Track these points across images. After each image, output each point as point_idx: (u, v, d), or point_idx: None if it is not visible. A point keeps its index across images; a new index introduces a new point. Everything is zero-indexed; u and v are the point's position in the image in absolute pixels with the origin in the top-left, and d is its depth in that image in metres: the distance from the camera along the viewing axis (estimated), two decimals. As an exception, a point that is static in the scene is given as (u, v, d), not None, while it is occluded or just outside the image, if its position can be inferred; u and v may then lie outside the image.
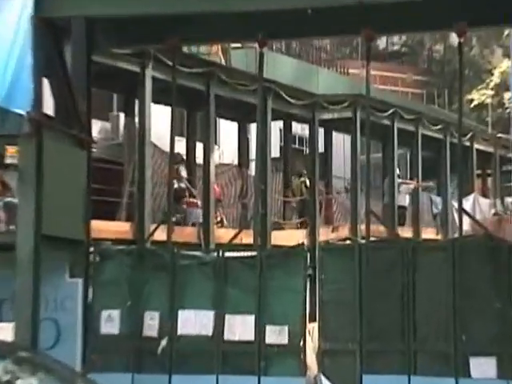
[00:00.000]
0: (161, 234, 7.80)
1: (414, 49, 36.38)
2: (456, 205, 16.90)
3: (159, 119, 11.88)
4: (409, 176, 20.23)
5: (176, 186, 12.48)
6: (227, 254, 7.00)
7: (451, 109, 26.90)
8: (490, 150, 20.75)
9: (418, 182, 17.43)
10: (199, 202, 12.78)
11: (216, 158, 14.23)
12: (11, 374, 3.64)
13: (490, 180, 21.90)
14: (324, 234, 14.75)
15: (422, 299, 6.72)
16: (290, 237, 13.62)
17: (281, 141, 17.92)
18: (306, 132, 16.70)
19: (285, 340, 6.78)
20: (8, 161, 7.92)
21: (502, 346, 6.50)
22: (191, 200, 12.80)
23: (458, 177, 7.88)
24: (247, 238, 10.74)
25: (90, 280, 6.97)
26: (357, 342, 6.78)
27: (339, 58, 30.08)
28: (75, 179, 6.62)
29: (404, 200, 17.25)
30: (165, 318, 6.96)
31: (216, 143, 15.82)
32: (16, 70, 5.84)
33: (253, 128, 16.75)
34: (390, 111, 16.20)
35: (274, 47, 21.09)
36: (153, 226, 9.64)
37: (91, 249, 7.13)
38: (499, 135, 21.63)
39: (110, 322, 6.99)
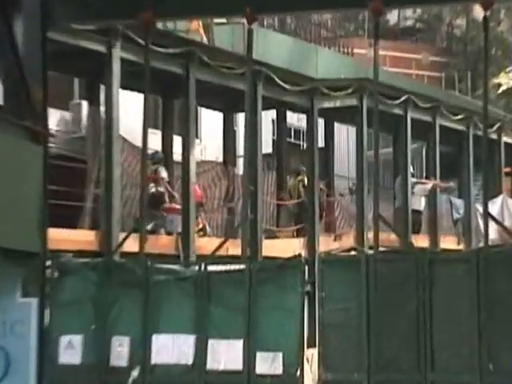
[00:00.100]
0: (132, 245, 7.86)
1: (431, 24, 36.54)
2: (481, 209, 16.44)
3: (129, 109, 11.93)
4: (425, 175, 20.31)
5: (153, 189, 12.78)
6: (210, 268, 7.11)
7: (475, 95, 26.93)
8: (522, 143, 21.07)
9: (435, 181, 17.45)
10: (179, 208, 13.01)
11: (197, 155, 14.34)
12: None
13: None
14: (325, 244, 14.80)
15: (441, 321, 6.77)
16: (284, 247, 13.75)
17: (274, 134, 17.98)
18: (304, 123, 16.74)
19: (279, 369, 6.85)
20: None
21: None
22: (172, 206, 12.98)
23: (482, 176, 7.97)
24: (234, 248, 10.72)
25: (46, 300, 6.86)
26: (364, 371, 6.82)
27: (342, 36, 30.25)
28: (28, 180, 6.53)
29: (419, 203, 17.33)
30: (136, 345, 7.01)
31: (197, 137, 15.86)
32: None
33: (240, 119, 17.05)
34: (403, 98, 16.20)
35: (266, 23, 21.33)
36: (122, 235, 9.90)
37: (48, 262, 7.10)
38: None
39: (71, 350, 7.01)
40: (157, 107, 16.27)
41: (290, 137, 20.57)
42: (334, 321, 6.95)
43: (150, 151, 11.93)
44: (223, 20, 14.97)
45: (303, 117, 16.65)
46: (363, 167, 15.19)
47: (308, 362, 7.67)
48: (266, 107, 14.08)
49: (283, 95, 14.45)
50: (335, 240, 15.57)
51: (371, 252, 7.22)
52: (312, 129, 15.00)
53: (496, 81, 27.07)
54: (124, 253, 8.94)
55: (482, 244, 12.22)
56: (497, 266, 6.73)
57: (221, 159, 16.20)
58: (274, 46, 18.21)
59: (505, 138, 19.89)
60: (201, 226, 13.63)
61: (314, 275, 7.71)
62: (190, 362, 6.87)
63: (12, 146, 6.31)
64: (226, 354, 6.89)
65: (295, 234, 15.46)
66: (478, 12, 7.50)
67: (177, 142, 13.84)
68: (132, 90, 12.74)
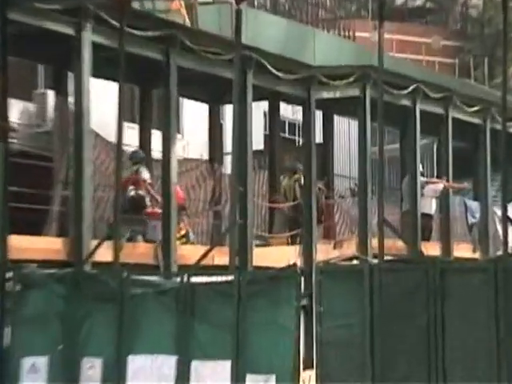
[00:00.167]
0: (105, 254, 8.04)
1: (443, 4, 36.60)
2: (499, 212, 16.95)
3: (102, 100, 11.91)
4: (436, 174, 20.18)
5: (133, 193, 12.80)
6: (194, 279, 7.23)
7: (492, 84, 27.08)
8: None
9: (447, 181, 17.36)
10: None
11: (179, 151, 14.26)
12: None
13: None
14: (323, 252, 14.73)
15: (455, 337, 6.85)
16: (278, 255, 13.68)
17: (266, 128, 17.89)
18: (300, 116, 16.58)
19: (272, 393, 6.99)
20: None
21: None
22: (155, 211, 13.05)
23: (501, 175, 8.04)
24: (221, 257, 10.88)
25: (6, 316, 6.98)
26: (368, 395, 7.03)
27: (343, 18, 30.20)
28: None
29: (429, 206, 17.29)
30: (110, 367, 7.05)
31: (179, 132, 15.68)
32: None
33: (228, 111, 16.73)
34: (411, 88, 16.11)
35: (256, 3, 21.26)
36: (94, 243, 9.83)
37: (9, 274, 7.17)
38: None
39: (35, 374, 6.98)
40: (133, 98, 16.21)
41: (284, 131, 20.40)
42: (334, 339, 6.99)
43: (126, 147, 12.00)
44: (208, -1, 15.09)
45: (299, 109, 16.60)
46: (366, 165, 15.13)
47: (305, 384, 7.80)
48: (256, 98, 13.94)
49: (276, 84, 14.30)
50: (335, 248, 15.54)
51: (375, 261, 7.62)
52: (309, 122, 14.86)
53: (516, 68, 27.41)
54: (96, 263, 8.94)
55: (500, 252, 12.24)
56: (517, 276, 6.90)
57: (206, 157, 16.19)
58: (266, 28, 18.10)
59: (527, 133, 20.46)
60: (183, 232, 13.61)
61: (311, 287, 7.97)
62: (171, 385, 6.94)
63: (-32, 141, 6.40)
64: (211, 377, 6.95)
65: (290, 240, 15.39)
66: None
67: (156, 137, 13.84)
68: (105, 78, 12.66)
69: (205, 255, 10.09)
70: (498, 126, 16.96)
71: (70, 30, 11.05)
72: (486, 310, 6.72)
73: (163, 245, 12.11)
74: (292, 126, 21.47)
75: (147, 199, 13.09)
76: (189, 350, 6.94)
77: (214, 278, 7.19)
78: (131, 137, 13.35)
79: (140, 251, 12.15)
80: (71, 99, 11.95)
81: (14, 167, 7.10)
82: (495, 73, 27.81)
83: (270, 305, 6.97)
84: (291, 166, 16.22)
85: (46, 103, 14.36)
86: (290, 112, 19.69)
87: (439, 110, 17.30)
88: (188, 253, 12.13)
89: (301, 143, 18.87)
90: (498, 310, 6.69)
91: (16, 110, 13.86)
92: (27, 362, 6.98)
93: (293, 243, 15.21)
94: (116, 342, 7.00)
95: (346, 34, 27.04)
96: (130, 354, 6.97)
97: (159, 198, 12.84)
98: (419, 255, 12.31)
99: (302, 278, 7.11)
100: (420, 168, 16.89)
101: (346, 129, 20.88)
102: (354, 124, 17.58)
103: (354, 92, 15.18)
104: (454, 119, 17.55)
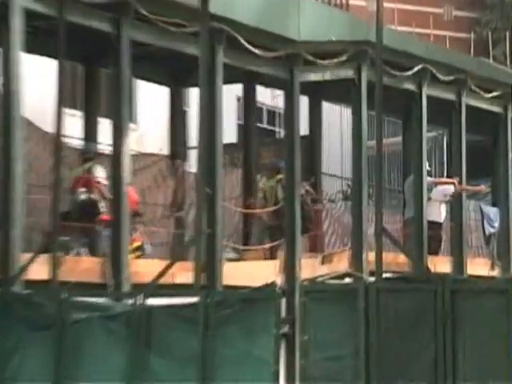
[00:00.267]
0: (41, 270, 8.00)
1: (455, -34, 36.81)
2: None
3: (37, 80, 12.11)
4: (446, 173, 20.31)
5: (84, 196, 12.81)
6: (151, 302, 7.32)
7: (515, 64, 27.59)
8: None
9: (460, 182, 17.32)
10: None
11: (133, 145, 14.19)
12: None
13: None
14: (309, 268, 14.64)
15: (468, 372, 6.96)
16: (253, 272, 13.66)
17: (239, 117, 18.09)
18: (281, 103, 16.51)
19: None
20: None
21: None
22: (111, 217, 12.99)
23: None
24: (184, 274, 10.80)
25: None
26: None
27: (334, -18, 30.27)
28: None
29: (438, 212, 17.25)
30: (45, 408, 7.00)
31: (133, 121, 15.95)
32: None
33: (193, 96, 16.50)
34: (416, 69, 16.01)
35: (228, -37, 21.40)
36: (27, 257, 9.61)
37: None
38: None
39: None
40: (76, 79, 16.15)
41: (262, 121, 20.33)
42: (322, 373, 7.10)
43: (67, 140, 11.98)
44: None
45: (280, 94, 16.51)
46: (362, 163, 14.99)
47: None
48: (228, 80, 13.81)
49: (252, 63, 14.25)
50: (323, 263, 15.42)
51: (372, 279, 7.72)
52: (292, 110, 14.68)
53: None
54: (29, 281, 8.81)
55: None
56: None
57: (166, 151, 16.17)
58: (239, -6, 18.75)
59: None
60: (137, 243, 13.67)
61: (293, 311, 8.37)
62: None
63: None
64: (172, 420, 6.89)
65: (268, 254, 15.37)
66: None
67: (104, 127, 13.75)
68: (41, 54, 12.70)
69: (164, 272, 10.04)
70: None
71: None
72: (505, 340, 6.85)
73: (113, 259, 12.05)
74: (271, 114, 21.44)
75: (102, 204, 13.10)
76: (143, 387, 6.83)
77: (175, 300, 7.35)
78: (73, 126, 13.29)
79: (84, 267, 12.02)
80: (-1, 79, 12.27)
81: None
82: (519, 50, 28.40)
83: (244, 333, 7.05)
84: (273, 163, 16.20)
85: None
86: (268, 97, 19.61)
87: (450, 96, 17.27)
88: (143, 269, 12.11)
89: (282, 135, 18.69)
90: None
91: None
92: None
93: (272, 257, 15.17)
94: (54, 379, 7.01)
95: (338, 1, 27.02)
96: (70, 392, 6.87)
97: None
98: (425, 272, 12.11)
99: (283, 300, 7.32)
100: (427, 166, 16.76)
101: (337, 118, 20.66)
102: (347, 112, 17.59)
103: (347, 73, 15.11)
104: (468, 107, 17.49)
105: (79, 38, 12.09)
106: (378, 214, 9.44)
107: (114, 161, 12.36)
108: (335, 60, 14.74)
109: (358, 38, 15.34)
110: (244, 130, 16.74)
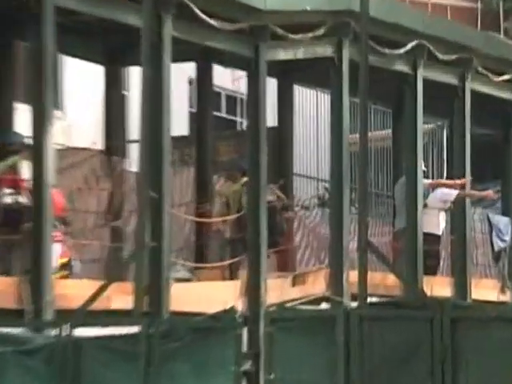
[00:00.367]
0: None
1: None
2: None
3: None
4: (445, 174, 20.14)
5: (10, 199, 12.72)
6: (80, 332, 7.07)
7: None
8: None
9: (463, 185, 16.94)
10: (60, 234, 13.08)
11: (58, 137, 14.05)
12: None
13: None
14: (277, 290, 14.51)
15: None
16: (208, 295, 13.57)
17: (192, 104, 18.01)
18: (243, 86, 16.75)
19: None
20: None
21: None
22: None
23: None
24: (121, 297, 10.73)
25: None
26: None
27: None
28: None
29: (435, 222, 17.00)
30: None
31: (58, 107, 15.58)
32: None
33: (134, 77, 16.07)
34: (411, 45, 15.70)
35: None
36: None
37: None
38: None
39: None
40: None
41: (220, 109, 20.25)
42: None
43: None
44: None
45: (242, 75, 16.67)
46: (342, 161, 14.76)
47: None
48: (178, 58, 13.61)
49: (208, 38, 13.93)
50: (295, 284, 15.32)
51: (354, 305, 7.59)
52: (257, 96, 14.27)
53: None
54: None
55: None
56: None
57: (100, 145, 16.04)
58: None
59: None
60: (64, 259, 13.35)
61: (257, 344, 8.01)
62: None
63: None
64: None
65: (228, 273, 15.33)
66: None
67: (22, 114, 13.65)
68: None
69: (97, 295, 10.05)
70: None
71: None
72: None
73: (32, 279, 11.89)
74: (232, 100, 21.49)
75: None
76: None
77: (110, 331, 7.24)
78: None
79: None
80: None
81: None
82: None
83: (196, 371, 7.01)
84: (236, 164, 16.13)
85: None
86: (228, 80, 19.55)
87: (452, 79, 17.02)
88: (71, 291, 12.10)
89: (245, 127, 18.82)
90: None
91: None
92: None
93: (232, 277, 15.18)
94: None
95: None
96: None
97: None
98: (420, 297, 11.98)
99: (245, 330, 7.12)
100: (422, 165, 16.47)
101: (312, 106, 20.12)
102: (325, 99, 17.39)
103: (325, 51, 14.96)
104: (473, 92, 17.21)
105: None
106: (363, 224, 9.74)
107: (35, 157, 12.14)
108: (310, 34, 14.51)
109: (339, 8, 15.21)
110: (198, 119, 16.73)
